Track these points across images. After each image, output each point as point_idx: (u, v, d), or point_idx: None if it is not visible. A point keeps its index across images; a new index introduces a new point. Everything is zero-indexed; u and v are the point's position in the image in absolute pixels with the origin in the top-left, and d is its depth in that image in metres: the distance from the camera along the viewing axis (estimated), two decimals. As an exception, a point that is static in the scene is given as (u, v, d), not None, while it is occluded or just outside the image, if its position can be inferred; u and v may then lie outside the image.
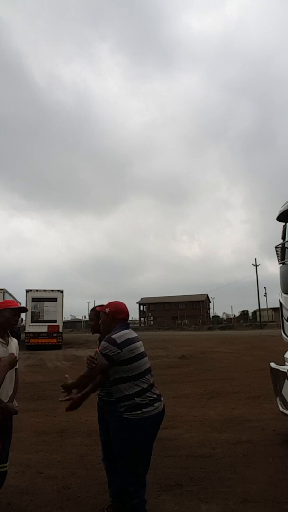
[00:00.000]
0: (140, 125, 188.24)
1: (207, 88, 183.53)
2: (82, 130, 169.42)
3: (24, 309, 3.37)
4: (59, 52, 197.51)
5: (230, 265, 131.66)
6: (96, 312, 3.39)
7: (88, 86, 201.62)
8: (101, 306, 3.35)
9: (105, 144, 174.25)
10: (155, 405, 2.64)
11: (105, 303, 3.60)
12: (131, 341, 2.70)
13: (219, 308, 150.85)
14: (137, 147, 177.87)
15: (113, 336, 2.68)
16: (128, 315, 2.95)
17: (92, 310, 3.63)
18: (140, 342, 2.80)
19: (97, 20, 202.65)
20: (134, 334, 2.82)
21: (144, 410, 2.58)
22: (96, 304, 3.96)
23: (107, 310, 2.88)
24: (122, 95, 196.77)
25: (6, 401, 2.95)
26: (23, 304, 26.80)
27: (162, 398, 2.76)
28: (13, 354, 2.99)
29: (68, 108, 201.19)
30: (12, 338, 3.25)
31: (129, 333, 2.77)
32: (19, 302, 30.99)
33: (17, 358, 2.97)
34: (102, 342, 2.71)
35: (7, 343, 3.08)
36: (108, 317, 2.85)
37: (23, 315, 28.68)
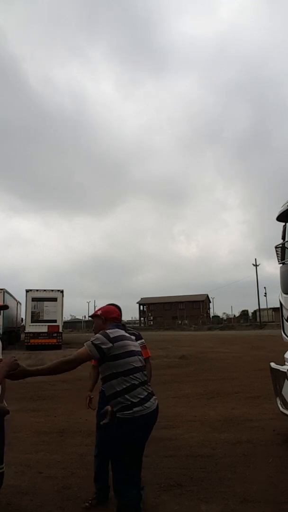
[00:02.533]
0: (136, 128, 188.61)
1: (202, 90, 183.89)
2: (79, 133, 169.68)
3: (5, 307, 3.40)
4: (54, 56, 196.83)
5: (229, 265, 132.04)
6: None
7: (84, 90, 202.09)
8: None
9: (102, 147, 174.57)
10: (146, 405, 2.63)
11: (105, 303, 3.63)
12: (123, 337, 2.75)
13: (219, 308, 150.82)
14: (134, 150, 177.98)
15: (106, 331, 2.74)
16: (119, 315, 3.06)
17: None
18: (132, 342, 2.83)
19: (92, 24, 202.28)
20: (126, 333, 2.86)
21: (135, 409, 2.58)
22: (97, 305, 4.01)
23: (99, 312, 3.01)
24: (118, 98, 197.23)
25: None
26: (23, 304, 26.88)
27: (154, 397, 2.75)
28: (13, 357, 2.98)
29: (65, 111, 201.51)
30: None
31: (122, 331, 2.82)
32: (19, 302, 31.11)
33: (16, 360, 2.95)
34: (96, 334, 2.76)
35: None
36: (100, 318, 2.96)
37: (23, 315, 28.76)
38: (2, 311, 20.13)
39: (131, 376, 2.65)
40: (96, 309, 3.18)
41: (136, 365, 2.72)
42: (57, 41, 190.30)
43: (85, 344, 2.69)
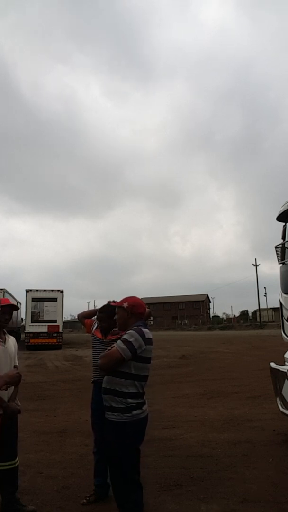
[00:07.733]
0: (131, 132, 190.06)
1: (194, 96, 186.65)
2: (74, 139, 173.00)
3: (16, 308, 3.43)
4: (50, 63, 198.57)
5: (228, 265, 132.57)
6: (110, 310, 3.32)
7: (77, 97, 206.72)
8: (113, 302, 3.33)
9: (97, 151, 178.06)
10: (143, 408, 2.64)
11: (105, 302, 3.59)
12: (151, 341, 2.69)
13: (219, 308, 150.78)
14: (129, 154, 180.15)
15: (143, 330, 2.61)
16: (146, 310, 2.86)
17: (104, 307, 3.54)
18: (152, 346, 2.75)
19: (82, 33, 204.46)
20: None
21: (134, 412, 2.56)
22: (97, 304, 3.97)
23: (125, 304, 2.74)
24: (110, 104, 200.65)
25: (7, 400, 2.95)
26: (23, 304, 26.88)
27: (146, 400, 2.74)
28: (17, 371, 3.00)
29: (59, 117, 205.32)
30: (9, 336, 3.25)
31: (151, 334, 2.72)
32: (19, 302, 31.18)
33: (20, 375, 2.96)
34: (130, 331, 2.60)
35: (4, 341, 3.10)
36: (126, 311, 2.72)
37: (23, 315, 28.75)
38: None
39: (141, 383, 2.63)
40: (121, 299, 2.86)
41: (147, 373, 2.69)
42: (51, 48, 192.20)
43: (116, 345, 2.57)
